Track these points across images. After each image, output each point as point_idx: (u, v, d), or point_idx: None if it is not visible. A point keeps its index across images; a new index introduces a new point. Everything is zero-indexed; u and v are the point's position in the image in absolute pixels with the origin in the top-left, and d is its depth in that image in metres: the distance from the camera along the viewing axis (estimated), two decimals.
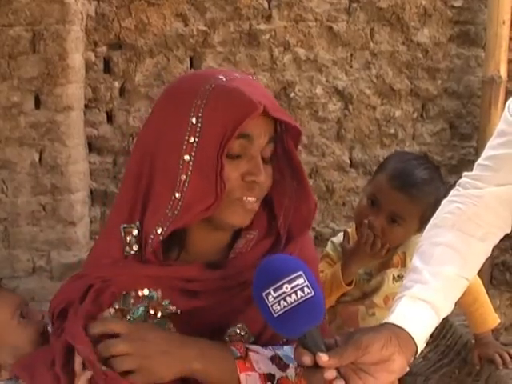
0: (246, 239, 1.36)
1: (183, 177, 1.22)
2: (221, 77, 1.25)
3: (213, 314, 1.29)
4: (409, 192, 2.01)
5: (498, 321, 2.19)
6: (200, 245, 1.34)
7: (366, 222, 2.05)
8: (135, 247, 1.30)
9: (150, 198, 1.27)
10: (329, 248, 2.22)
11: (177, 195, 1.23)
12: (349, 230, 2.23)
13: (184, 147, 1.22)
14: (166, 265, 1.31)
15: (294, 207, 1.35)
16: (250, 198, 1.26)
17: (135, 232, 1.29)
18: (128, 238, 1.30)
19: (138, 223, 1.29)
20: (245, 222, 1.30)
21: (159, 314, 1.30)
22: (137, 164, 1.29)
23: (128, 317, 1.30)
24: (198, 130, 1.21)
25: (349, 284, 2.07)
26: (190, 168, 1.22)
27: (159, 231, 1.25)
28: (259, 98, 1.21)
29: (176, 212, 1.23)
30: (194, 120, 1.21)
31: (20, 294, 1.70)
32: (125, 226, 1.30)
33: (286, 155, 1.33)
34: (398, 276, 2.09)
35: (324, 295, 2.05)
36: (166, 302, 1.30)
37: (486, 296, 2.17)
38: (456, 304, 2.13)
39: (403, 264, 2.10)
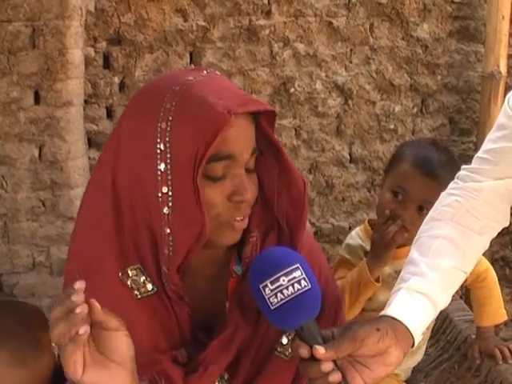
0: (250, 244, 1.30)
1: (166, 210, 1.15)
2: (177, 89, 1.15)
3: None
4: (437, 176, 1.94)
5: (506, 318, 2.19)
6: (194, 262, 1.26)
7: (387, 212, 1.97)
8: (150, 286, 1.22)
9: (141, 238, 1.20)
10: (345, 252, 2.13)
11: (167, 230, 1.16)
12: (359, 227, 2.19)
13: (159, 178, 1.14)
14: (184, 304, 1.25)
15: (284, 191, 1.28)
16: (238, 218, 1.20)
17: (136, 273, 1.21)
18: (129, 282, 1.21)
19: (139, 265, 1.21)
20: (235, 241, 1.24)
21: None
22: (115, 212, 1.20)
23: None
24: (167, 155, 1.13)
25: (377, 280, 1.99)
26: (170, 199, 1.15)
27: (166, 271, 1.19)
28: (226, 103, 1.13)
29: (171, 249, 1.17)
30: (162, 146, 1.13)
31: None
32: (122, 272, 1.21)
33: (265, 138, 1.25)
34: None
35: (350, 302, 2.01)
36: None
37: (500, 291, 2.16)
38: (471, 295, 2.12)
39: None
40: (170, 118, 1.14)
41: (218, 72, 1.27)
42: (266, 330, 1.27)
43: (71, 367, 1.00)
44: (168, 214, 1.15)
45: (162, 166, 1.14)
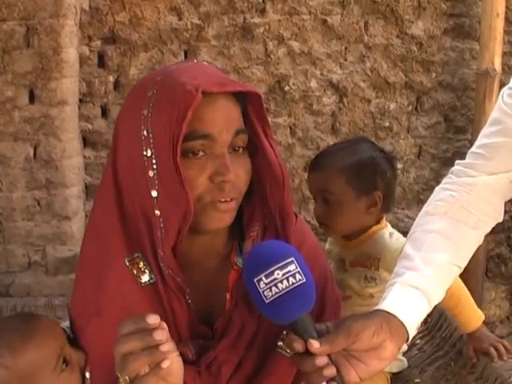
0: (251, 239, 1.31)
1: (154, 193, 1.18)
2: (159, 78, 1.21)
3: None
4: (319, 166, 2.03)
5: (483, 318, 2.15)
6: (190, 251, 1.28)
7: None
8: (147, 277, 1.24)
9: (140, 225, 1.23)
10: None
11: (157, 213, 1.19)
12: None
13: (146, 163, 1.18)
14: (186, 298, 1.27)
15: (274, 182, 1.28)
16: (223, 199, 1.21)
17: (141, 263, 1.24)
18: (135, 271, 1.24)
19: (139, 254, 1.24)
20: (224, 224, 1.25)
21: None
22: (118, 203, 1.25)
23: None
24: (151, 141, 1.17)
25: None
26: (156, 182, 1.18)
27: (161, 253, 1.21)
28: (197, 82, 1.16)
29: (163, 230, 1.20)
30: (145, 132, 1.18)
31: (59, 323, 1.34)
32: (128, 259, 1.24)
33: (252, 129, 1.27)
34: (371, 278, 2.08)
35: None
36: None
37: (469, 296, 2.09)
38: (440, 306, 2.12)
39: (376, 268, 2.07)
40: (151, 105, 1.18)
41: (205, 62, 1.30)
42: (269, 324, 1.26)
43: None
44: (156, 197, 1.19)
45: (149, 152, 1.18)
